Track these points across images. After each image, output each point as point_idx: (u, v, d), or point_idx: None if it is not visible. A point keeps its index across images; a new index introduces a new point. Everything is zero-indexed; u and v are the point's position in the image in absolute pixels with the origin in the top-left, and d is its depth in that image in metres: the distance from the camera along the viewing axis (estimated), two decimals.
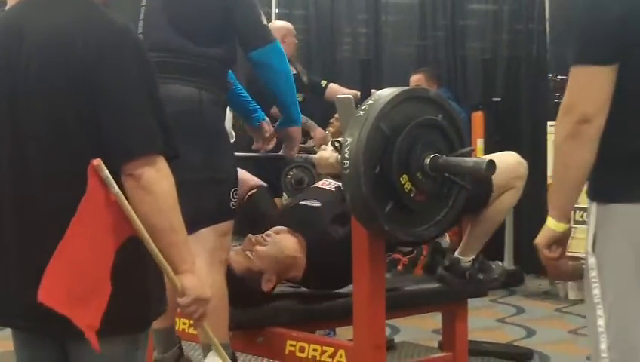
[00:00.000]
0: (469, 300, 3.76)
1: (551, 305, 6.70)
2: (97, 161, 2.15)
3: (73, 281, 2.13)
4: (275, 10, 8.59)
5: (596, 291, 2.38)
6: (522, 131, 7.56)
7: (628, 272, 2.33)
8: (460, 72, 8.07)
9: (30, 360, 2.37)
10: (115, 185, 2.16)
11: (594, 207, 2.39)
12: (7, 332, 2.43)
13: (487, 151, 6.72)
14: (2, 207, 2.28)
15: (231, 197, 3.34)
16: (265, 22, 3.47)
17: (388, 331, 4.96)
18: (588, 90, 2.29)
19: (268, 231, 3.54)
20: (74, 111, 2.21)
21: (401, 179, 2.94)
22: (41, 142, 2.24)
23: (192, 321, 2.37)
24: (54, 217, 2.21)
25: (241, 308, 3.39)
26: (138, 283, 2.27)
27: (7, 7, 2.51)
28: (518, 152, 3.69)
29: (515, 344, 5.56)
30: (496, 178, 3.34)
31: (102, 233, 2.16)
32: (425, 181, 2.98)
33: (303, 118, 6.49)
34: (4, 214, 2.28)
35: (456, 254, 3.64)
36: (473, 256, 3.62)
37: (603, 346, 2.37)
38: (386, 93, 3.01)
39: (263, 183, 3.95)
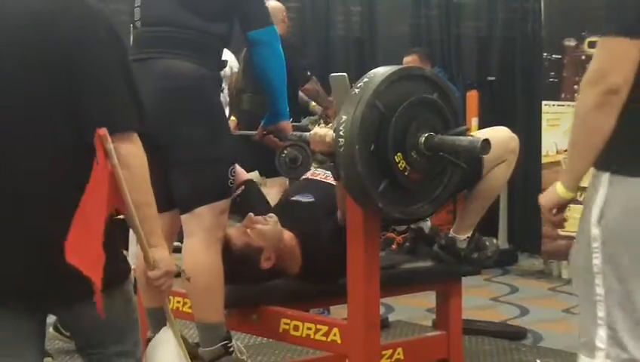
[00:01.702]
0: (463, 279, 3.76)
1: (545, 284, 6.71)
2: (103, 131, 2.22)
3: (87, 243, 2.22)
4: None
5: (596, 261, 2.41)
6: (517, 110, 7.55)
7: (634, 246, 2.36)
8: (454, 51, 8.05)
9: (6, 335, 2.41)
10: (115, 157, 2.24)
11: (605, 177, 2.40)
12: None
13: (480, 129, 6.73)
14: None
15: (229, 175, 3.33)
16: (266, 4, 3.48)
17: (382, 310, 4.97)
18: (617, 62, 2.31)
19: (270, 214, 3.52)
20: (50, 89, 2.29)
21: (395, 157, 2.93)
22: (15, 119, 2.30)
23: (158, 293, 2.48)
24: (31, 189, 2.30)
25: (237, 285, 3.39)
26: (112, 244, 2.35)
27: None
28: (512, 131, 3.69)
29: (509, 323, 5.58)
30: (493, 149, 3.36)
31: (104, 200, 2.25)
32: (420, 160, 2.97)
33: (314, 85, 6.51)
34: None
35: (451, 232, 3.63)
36: (468, 234, 3.61)
37: (601, 314, 2.41)
38: (382, 72, 3.00)
39: (250, 178, 3.94)
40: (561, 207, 2.51)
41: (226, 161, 3.33)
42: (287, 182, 5.73)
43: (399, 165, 2.95)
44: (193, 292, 3.31)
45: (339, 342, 3.25)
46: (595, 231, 2.41)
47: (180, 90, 3.25)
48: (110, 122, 2.27)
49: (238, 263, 3.35)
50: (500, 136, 3.54)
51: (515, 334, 5.27)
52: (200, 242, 3.27)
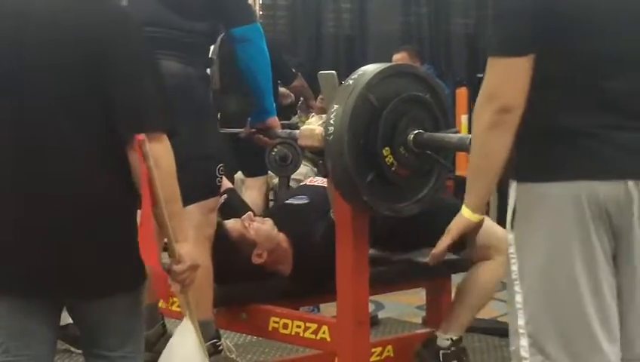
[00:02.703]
0: (453, 276, 3.76)
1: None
2: (142, 137, 2.32)
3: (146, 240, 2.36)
4: None
5: (514, 267, 2.39)
6: None
7: (543, 250, 2.34)
8: (444, 48, 8.07)
9: (22, 326, 2.46)
10: (151, 159, 2.34)
11: (513, 185, 2.41)
12: None
13: (471, 127, 6.73)
14: (2, 181, 2.41)
15: (217, 174, 3.33)
16: (249, 0, 3.47)
17: (372, 307, 4.97)
18: (506, 81, 2.30)
19: (266, 218, 3.53)
20: (84, 86, 2.35)
21: (384, 151, 2.94)
22: (48, 118, 2.36)
23: (179, 287, 2.54)
24: (60, 186, 2.37)
25: (227, 282, 3.39)
26: (135, 244, 2.40)
27: None
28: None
29: (499, 319, 5.57)
30: (480, 234, 3.40)
31: (146, 200, 2.36)
32: (408, 156, 2.97)
33: (301, 82, 6.51)
34: (4, 187, 2.40)
35: (438, 330, 3.45)
36: (453, 336, 3.42)
37: (521, 322, 2.39)
38: (375, 67, 3.01)
39: (231, 187, 3.94)
40: (473, 230, 2.51)
41: (214, 160, 3.32)
42: (268, 183, 5.74)
43: (387, 159, 2.94)
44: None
45: (328, 339, 3.25)
46: (510, 235, 2.41)
47: (167, 90, 3.24)
48: (141, 123, 2.37)
49: (230, 252, 3.35)
50: (498, 230, 3.40)
51: (505, 331, 5.20)
52: (192, 240, 3.26)
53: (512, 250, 2.40)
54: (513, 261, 2.40)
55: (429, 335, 3.50)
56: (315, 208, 3.54)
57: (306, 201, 3.62)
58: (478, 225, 2.51)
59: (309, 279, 3.44)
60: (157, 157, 2.36)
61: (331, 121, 2.91)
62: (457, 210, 2.51)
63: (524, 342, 2.39)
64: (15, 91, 2.38)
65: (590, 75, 2.31)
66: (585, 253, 2.30)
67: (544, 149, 2.34)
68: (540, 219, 2.34)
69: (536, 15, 2.28)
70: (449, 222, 2.55)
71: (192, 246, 2.53)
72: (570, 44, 2.30)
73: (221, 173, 3.35)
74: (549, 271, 2.34)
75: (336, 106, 2.92)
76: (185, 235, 2.48)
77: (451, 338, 3.41)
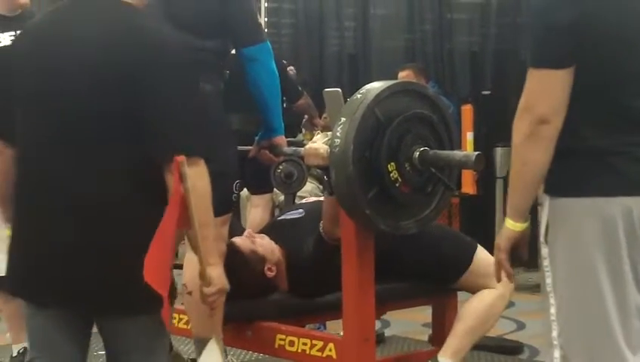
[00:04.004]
0: (459, 293, 3.75)
1: (541, 298, 6.68)
2: (182, 158, 2.34)
3: (161, 263, 2.38)
4: (264, 4, 8.58)
5: (548, 280, 2.44)
6: (511, 124, 7.53)
7: (574, 263, 2.38)
8: (448, 66, 8.07)
9: (50, 340, 2.56)
10: (188, 181, 2.36)
11: (546, 200, 2.43)
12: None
13: (476, 144, 6.73)
14: (41, 190, 2.48)
15: (233, 190, 3.36)
16: (259, 20, 3.49)
17: (378, 324, 4.95)
18: (544, 93, 2.34)
19: (262, 234, 3.56)
20: (121, 108, 2.39)
21: (389, 166, 2.94)
22: (85, 134, 2.42)
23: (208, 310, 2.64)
24: (89, 202, 2.42)
25: (232, 301, 3.38)
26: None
27: None
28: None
29: (505, 337, 5.56)
30: (480, 263, 3.46)
31: (174, 221, 2.38)
32: (412, 173, 2.98)
33: (306, 100, 6.53)
34: (42, 197, 2.48)
35: (439, 353, 3.43)
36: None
37: (554, 333, 2.42)
38: (384, 83, 3.04)
39: None
40: (517, 241, 2.51)
41: (230, 176, 3.35)
42: (273, 200, 5.73)
43: (391, 175, 2.95)
44: (193, 306, 3.30)
45: (334, 357, 3.24)
46: (544, 249, 2.44)
47: None
48: (176, 147, 2.38)
49: (242, 267, 3.35)
50: None
51: (512, 349, 5.26)
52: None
53: (546, 263, 2.44)
54: (548, 274, 2.44)
55: (435, 353, 3.49)
56: (308, 221, 3.55)
57: (299, 216, 3.64)
58: (523, 233, 2.50)
59: (303, 292, 3.46)
60: (194, 180, 2.40)
61: (338, 134, 2.92)
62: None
63: (557, 353, 2.43)
64: (53, 111, 2.44)
65: (619, 93, 2.35)
66: (613, 269, 2.34)
67: (575, 165, 2.37)
68: (571, 234, 2.38)
69: (573, 29, 2.30)
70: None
71: (221, 270, 2.56)
72: (602, 60, 2.33)
73: (237, 188, 3.38)
74: (577, 285, 2.38)
75: (343, 119, 2.93)
76: (215, 259, 2.53)
77: None
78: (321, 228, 3.32)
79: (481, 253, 3.53)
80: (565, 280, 2.41)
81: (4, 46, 4.18)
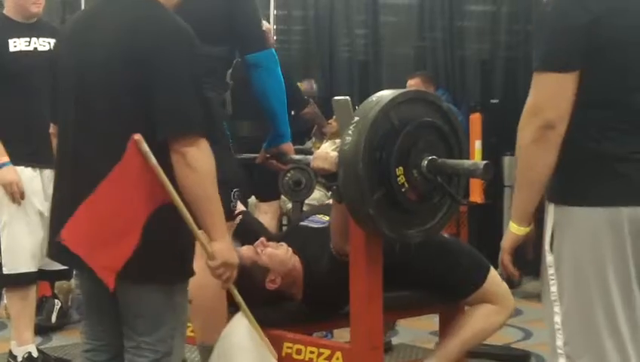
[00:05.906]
0: None
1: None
2: (138, 136, 2.50)
3: (95, 229, 2.52)
4: (273, 12, 8.59)
5: (554, 288, 2.44)
6: None
7: (582, 272, 2.38)
8: (458, 74, 8.06)
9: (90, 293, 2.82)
10: (153, 157, 2.51)
11: (551, 208, 2.44)
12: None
13: (484, 153, 6.73)
14: (64, 161, 2.73)
15: (232, 198, 3.35)
16: (264, 28, 3.50)
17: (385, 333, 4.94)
18: (554, 97, 2.34)
19: (281, 243, 3.55)
20: (129, 88, 2.57)
21: (397, 170, 2.94)
22: (98, 110, 2.63)
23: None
24: (103, 173, 2.55)
25: (248, 305, 3.38)
26: (171, 243, 2.64)
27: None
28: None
29: (512, 346, 5.55)
30: (490, 285, 3.48)
31: (133, 195, 2.52)
32: (419, 179, 2.98)
33: (312, 108, 6.54)
34: (65, 167, 2.73)
35: (434, 357, 3.49)
36: None
37: (559, 342, 2.42)
38: (399, 90, 3.06)
39: (244, 209, 3.96)
40: (523, 243, 2.53)
41: (229, 184, 3.33)
42: (281, 207, 5.73)
43: (399, 179, 2.95)
44: (197, 314, 3.31)
45: None
46: (549, 257, 2.44)
47: None
48: (176, 125, 2.55)
49: (243, 278, 3.35)
50: (503, 284, 3.52)
51: (519, 357, 5.25)
52: (204, 264, 3.26)
53: (551, 271, 2.44)
54: (552, 282, 2.44)
55: None
56: (328, 233, 3.53)
57: (321, 225, 3.62)
58: (528, 236, 2.52)
59: (318, 304, 3.45)
60: (191, 159, 2.52)
61: (350, 132, 2.92)
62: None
63: None
64: (78, 102, 2.67)
65: (628, 98, 2.34)
66: (622, 280, 2.32)
67: (581, 173, 2.37)
68: (578, 243, 2.37)
69: (584, 33, 2.30)
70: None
71: (225, 244, 2.67)
72: (611, 65, 2.33)
73: (236, 197, 3.37)
74: (585, 295, 2.37)
75: (357, 118, 2.94)
76: (220, 234, 2.62)
77: None
78: (331, 246, 3.32)
79: (494, 276, 3.53)
80: (573, 290, 2.40)
81: (43, 50, 4.43)
